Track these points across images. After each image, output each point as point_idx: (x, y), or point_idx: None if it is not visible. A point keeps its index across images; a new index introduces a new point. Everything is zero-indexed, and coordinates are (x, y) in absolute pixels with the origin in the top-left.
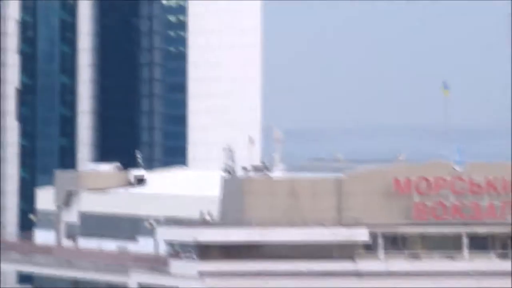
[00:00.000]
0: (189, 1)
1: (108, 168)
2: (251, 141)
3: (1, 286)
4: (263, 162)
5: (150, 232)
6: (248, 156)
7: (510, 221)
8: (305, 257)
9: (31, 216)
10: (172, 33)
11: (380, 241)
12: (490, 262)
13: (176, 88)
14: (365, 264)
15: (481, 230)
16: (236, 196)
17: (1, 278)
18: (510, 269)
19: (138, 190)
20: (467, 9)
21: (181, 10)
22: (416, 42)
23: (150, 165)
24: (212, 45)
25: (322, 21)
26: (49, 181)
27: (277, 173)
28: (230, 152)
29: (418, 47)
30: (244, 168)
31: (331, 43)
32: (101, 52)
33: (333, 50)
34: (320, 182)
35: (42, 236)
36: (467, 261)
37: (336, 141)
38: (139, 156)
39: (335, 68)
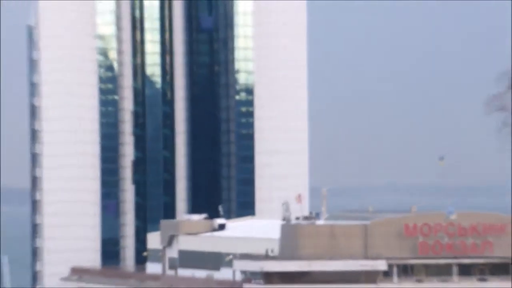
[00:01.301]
0: (255, 96)
1: (198, 218)
2: (298, 197)
3: None
4: (311, 213)
5: (229, 264)
6: (300, 209)
7: (487, 255)
8: (341, 282)
9: (144, 254)
10: (243, 120)
11: (395, 270)
12: (472, 284)
13: (247, 160)
14: (383, 287)
15: (466, 261)
16: (291, 238)
17: None
18: None
19: (220, 234)
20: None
21: (249, 103)
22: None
23: (228, 215)
24: (272, 128)
25: (355, 93)
26: (157, 228)
27: (321, 221)
28: (287, 206)
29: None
30: (297, 218)
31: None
32: (192, 134)
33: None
34: (352, 227)
35: (152, 268)
36: (456, 284)
37: (367, 196)
38: (220, 209)
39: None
